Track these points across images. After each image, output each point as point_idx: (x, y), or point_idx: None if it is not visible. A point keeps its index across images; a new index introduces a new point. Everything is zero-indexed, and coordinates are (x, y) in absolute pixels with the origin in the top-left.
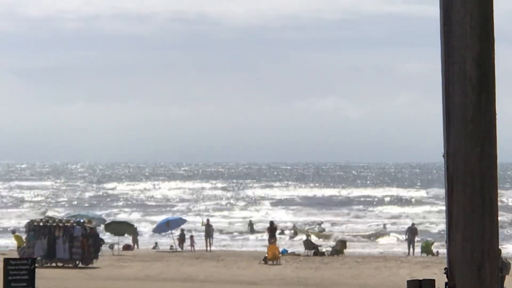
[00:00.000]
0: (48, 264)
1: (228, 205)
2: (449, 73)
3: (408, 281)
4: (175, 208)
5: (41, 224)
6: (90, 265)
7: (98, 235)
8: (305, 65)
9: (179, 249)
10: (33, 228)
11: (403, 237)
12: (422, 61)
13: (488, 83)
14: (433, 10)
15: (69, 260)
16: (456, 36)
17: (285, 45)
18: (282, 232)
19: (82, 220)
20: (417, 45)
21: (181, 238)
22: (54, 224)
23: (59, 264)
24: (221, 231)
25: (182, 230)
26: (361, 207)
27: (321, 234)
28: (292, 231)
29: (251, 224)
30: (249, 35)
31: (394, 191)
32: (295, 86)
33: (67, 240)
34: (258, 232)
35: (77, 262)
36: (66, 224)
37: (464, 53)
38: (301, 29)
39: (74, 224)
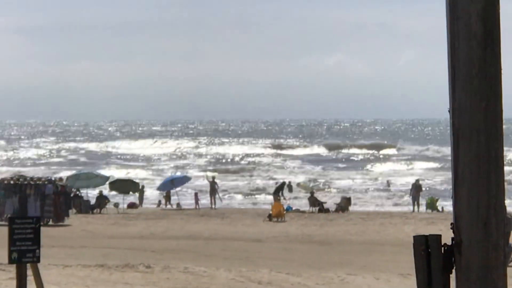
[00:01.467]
0: None
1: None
2: (454, 28)
3: (414, 237)
4: (184, 164)
5: (11, 182)
6: (61, 223)
7: (70, 193)
8: (309, 22)
9: (166, 207)
10: (4, 187)
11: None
12: (425, 17)
13: (493, 38)
14: None
15: (40, 218)
16: None
17: (289, 3)
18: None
19: (53, 178)
20: (420, 2)
21: (167, 196)
22: (25, 182)
23: None
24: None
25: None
26: (365, 164)
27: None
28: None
29: (289, 185)
30: None
31: (398, 148)
32: (300, 43)
33: (39, 198)
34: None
35: (48, 220)
36: (38, 182)
37: (468, 8)
38: None
39: (46, 182)
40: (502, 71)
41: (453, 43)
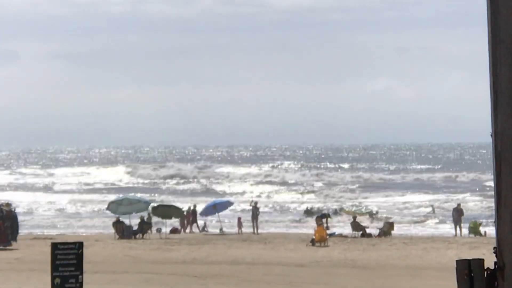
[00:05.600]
0: None
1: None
2: (496, 52)
3: (457, 261)
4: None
5: None
6: (7, 247)
7: (16, 217)
8: (352, 46)
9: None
10: None
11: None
12: (467, 41)
13: None
14: None
15: None
16: (502, 15)
17: (331, 27)
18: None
19: None
20: (460, 25)
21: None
22: None
23: None
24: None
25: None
26: (408, 189)
27: (370, 215)
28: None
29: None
30: (295, 16)
31: (442, 174)
32: (343, 67)
33: None
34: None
35: None
36: None
37: (511, 32)
38: (345, 11)
39: None
40: None
41: (495, 67)
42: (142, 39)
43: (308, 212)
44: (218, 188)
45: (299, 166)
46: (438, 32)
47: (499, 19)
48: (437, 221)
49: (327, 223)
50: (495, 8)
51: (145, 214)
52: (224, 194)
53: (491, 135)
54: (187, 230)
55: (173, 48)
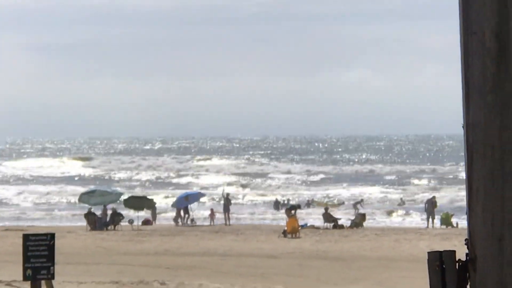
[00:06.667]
0: None
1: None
2: (468, 44)
3: (428, 253)
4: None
5: None
6: None
7: None
8: (327, 37)
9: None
10: None
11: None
12: (442, 33)
13: (507, 54)
14: None
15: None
16: (474, 7)
17: (306, 18)
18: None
19: None
20: (435, 17)
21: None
22: None
23: None
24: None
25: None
26: (379, 181)
27: (354, 206)
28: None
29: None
30: (270, 8)
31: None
32: (319, 58)
33: None
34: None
35: None
36: None
37: (482, 25)
38: (321, 2)
39: None
40: None
41: (467, 59)
42: (121, 31)
43: (279, 204)
44: (190, 180)
45: (272, 157)
46: (413, 24)
47: (471, 10)
48: (405, 212)
49: (295, 214)
50: (465, 0)
51: (114, 206)
52: (196, 185)
53: (463, 127)
54: (180, 223)
55: (146, 40)
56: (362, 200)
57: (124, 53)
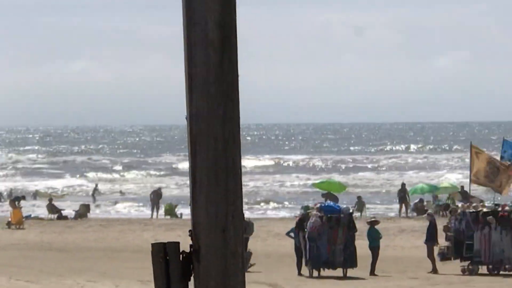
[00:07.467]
0: None
1: None
2: (191, 35)
3: (152, 244)
4: None
5: None
6: None
7: None
8: (51, 28)
9: None
10: None
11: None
12: (166, 24)
13: (230, 45)
14: None
15: None
16: None
17: (27, 9)
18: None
19: None
20: (160, 8)
21: None
22: None
23: None
24: None
25: None
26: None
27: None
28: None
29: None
30: None
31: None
32: (42, 49)
33: None
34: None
35: None
36: None
37: (205, 15)
38: None
39: None
40: (239, 78)
41: (190, 50)
42: None
43: (1, 195)
44: None
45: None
46: (135, 15)
47: (193, 1)
48: (130, 204)
49: (19, 205)
50: None
51: None
52: None
53: (186, 118)
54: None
55: None
56: (96, 185)
57: None
